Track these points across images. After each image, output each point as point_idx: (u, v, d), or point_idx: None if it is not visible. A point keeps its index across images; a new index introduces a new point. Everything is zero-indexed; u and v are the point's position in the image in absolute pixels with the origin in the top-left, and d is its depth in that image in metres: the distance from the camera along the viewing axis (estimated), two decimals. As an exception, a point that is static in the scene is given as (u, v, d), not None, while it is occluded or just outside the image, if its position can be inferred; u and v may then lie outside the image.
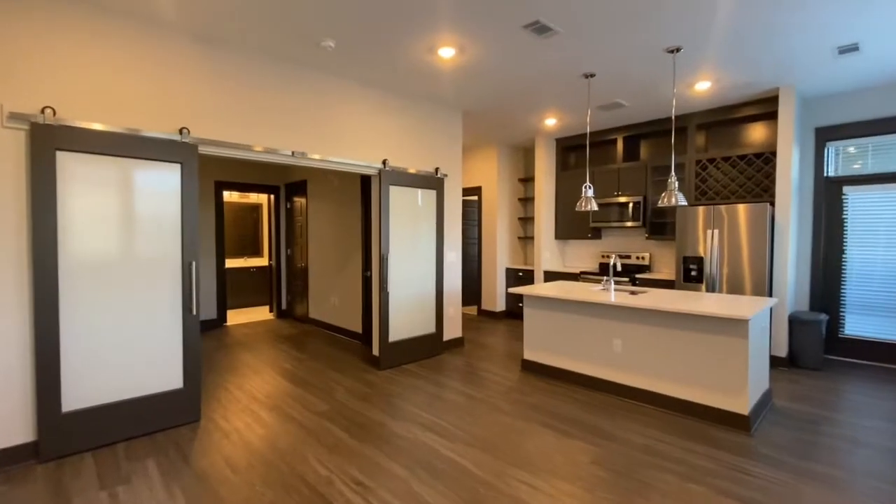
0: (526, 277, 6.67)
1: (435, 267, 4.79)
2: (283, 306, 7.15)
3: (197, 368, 3.16)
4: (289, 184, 6.93)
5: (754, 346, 3.05)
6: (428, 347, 4.74)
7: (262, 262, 8.25)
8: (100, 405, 2.79)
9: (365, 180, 5.19)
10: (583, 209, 3.90)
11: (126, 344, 2.88)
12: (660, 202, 3.47)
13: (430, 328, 4.78)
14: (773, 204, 4.58)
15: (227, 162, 6.38)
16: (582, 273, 5.93)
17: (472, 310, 7.51)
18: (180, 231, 3.07)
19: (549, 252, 6.50)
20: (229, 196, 7.99)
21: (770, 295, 4.42)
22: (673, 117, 3.64)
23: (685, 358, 3.23)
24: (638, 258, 5.83)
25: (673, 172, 3.44)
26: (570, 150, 6.63)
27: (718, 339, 3.06)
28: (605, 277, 4.35)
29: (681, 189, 5.36)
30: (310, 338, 5.68)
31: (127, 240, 2.87)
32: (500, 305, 6.91)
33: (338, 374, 4.19)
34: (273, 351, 5.04)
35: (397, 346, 4.44)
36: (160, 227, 2.99)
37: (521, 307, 6.69)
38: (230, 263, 7.86)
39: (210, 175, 6.21)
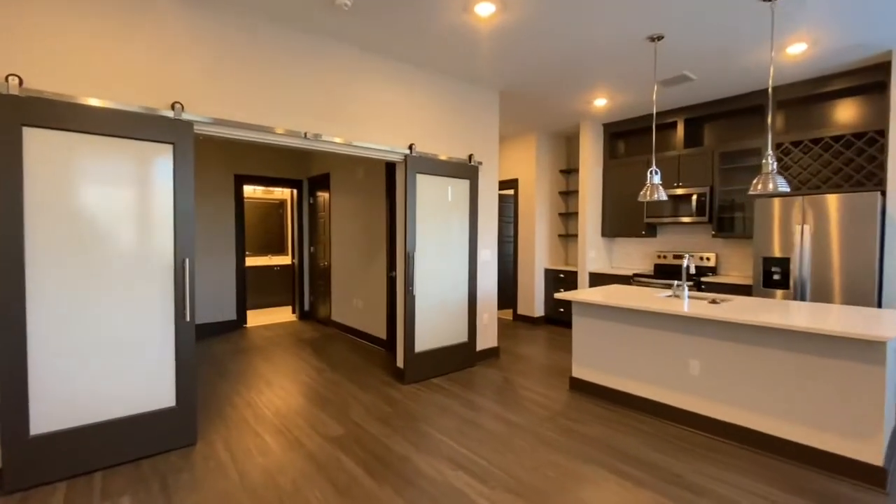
0: (568, 279, 6.00)
1: (468, 267, 4.22)
2: (306, 307, 6.75)
3: (192, 384, 2.71)
4: (311, 178, 6.52)
5: (891, 375, 2.32)
6: (459, 358, 4.18)
7: (286, 260, 7.92)
8: (75, 427, 2.38)
9: (390, 169, 4.68)
10: (647, 199, 3.23)
11: (107, 356, 2.46)
12: (751, 189, 2.77)
13: (462, 336, 4.22)
14: (884, 193, 3.75)
15: (246, 154, 6.02)
16: (635, 275, 5.22)
17: (507, 314, 6.90)
18: (172, 223, 2.63)
19: (594, 251, 5.80)
20: (253, 192, 7.70)
21: (879, 305, 3.61)
22: (770, 85, 2.93)
23: (790, 387, 2.53)
24: (702, 259, 5.06)
25: (770, 151, 2.73)
26: (619, 136, 5.91)
27: (841, 365, 2.35)
28: (675, 282, 3.65)
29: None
30: (331, 343, 5.23)
31: (109, 233, 2.44)
32: (539, 310, 6.27)
33: (357, 389, 3.69)
34: (290, 358, 4.60)
35: (424, 357, 3.90)
36: (148, 218, 2.55)
37: (563, 312, 6.03)
38: (254, 262, 7.57)
39: (229, 168, 5.87)
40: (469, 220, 4.21)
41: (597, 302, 3.25)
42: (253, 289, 7.39)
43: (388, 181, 4.72)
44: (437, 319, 3.99)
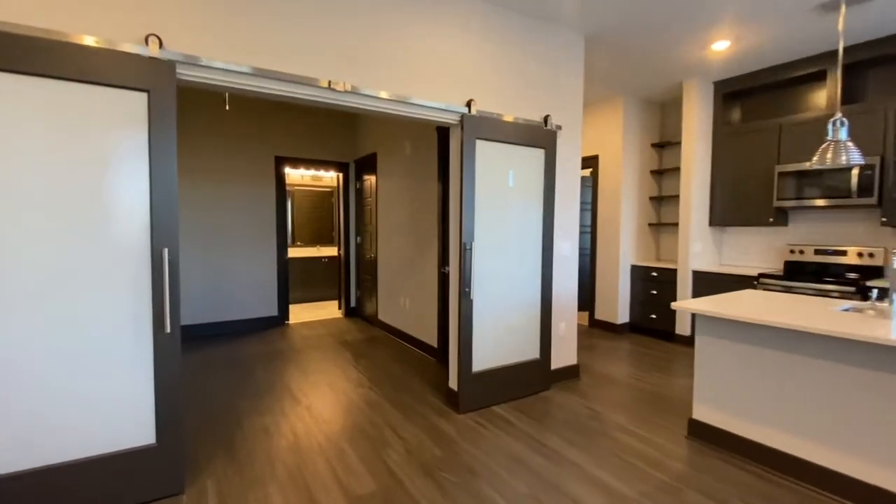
0: (662, 279, 4.85)
1: (541, 263, 3.29)
2: (352, 303, 6.13)
3: (178, 413, 2.05)
4: (358, 159, 5.85)
5: None
6: (529, 380, 3.27)
7: (335, 251, 7.39)
8: (20, 472, 1.78)
9: (443, 140, 3.83)
10: (829, 164, 2.12)
11: (62, 382, 1.83)
12: None
13: (533, 352, 3.30)
14: None
15: (288, 132, 5.44)
16: (761, 276, 3.99)
17: (582, 318, 5.84)
18: (148, 201, 1.96)
19: (699, 244, 4.61)
20: (301, 178, 7.23)
21: None
22: None
23: None
24: (862, 255, 3.75)
25: None
26: (735, 97, 4.63)
27: None
28: (873, 292, 2.47)
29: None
30: (376, 347, 4.52)
31: (56, 217, 1.80)
32: (623, 316, 5.17)
33: (400, 416, 2.91)
34: (327, 366, 3.93)
35: (484, 378, 3.04)
36: (111, 193, 1.90)
37: (655, 319, 4.90)
38: (302, 253, 7.10)
39: (270, 150, 5.33)
40: (544, 202, 3.27)
41: (734, 317, 2.20)
42: (300, 282, 6.93)
43: (441, 158, 3.88)
44: (500, 329, 3.11)
